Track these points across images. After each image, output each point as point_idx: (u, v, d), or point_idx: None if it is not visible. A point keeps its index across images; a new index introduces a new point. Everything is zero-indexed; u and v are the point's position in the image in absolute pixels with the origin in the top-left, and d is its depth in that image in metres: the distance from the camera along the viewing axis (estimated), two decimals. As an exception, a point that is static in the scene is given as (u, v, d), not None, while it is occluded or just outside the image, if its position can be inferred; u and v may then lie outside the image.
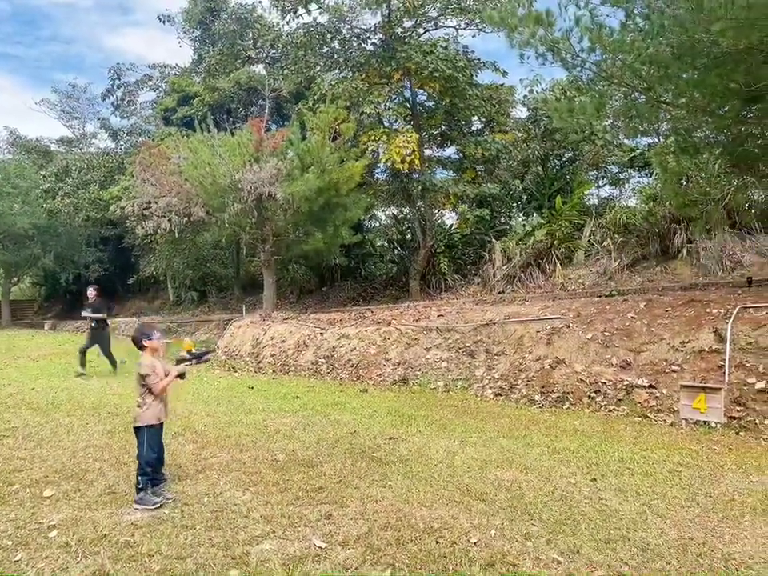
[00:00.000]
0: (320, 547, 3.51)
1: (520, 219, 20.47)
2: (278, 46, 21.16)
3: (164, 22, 29.21)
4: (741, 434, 6.01)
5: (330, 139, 15.50)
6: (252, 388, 9.72)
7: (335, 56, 18.85)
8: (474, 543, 3.53)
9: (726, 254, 11.56)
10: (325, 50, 19.10)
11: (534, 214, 18.95)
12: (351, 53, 18.72)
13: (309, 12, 18.70)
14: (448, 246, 19.65)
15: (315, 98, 17.52)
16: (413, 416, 7.19)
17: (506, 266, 16.60)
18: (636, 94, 8.95)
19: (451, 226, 21.94)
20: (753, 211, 12.40)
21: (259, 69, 26.34)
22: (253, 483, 4.71)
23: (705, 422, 6.18)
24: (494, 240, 17.64)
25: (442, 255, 18.93)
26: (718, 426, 6.11)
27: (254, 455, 5.52)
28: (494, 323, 10.05)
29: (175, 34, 53.04)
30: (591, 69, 8.84)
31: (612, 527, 3.71)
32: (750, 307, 7.32)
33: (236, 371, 12.17)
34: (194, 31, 29.31)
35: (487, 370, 9.28)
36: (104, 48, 66.46)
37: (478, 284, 17.87)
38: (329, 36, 18.95)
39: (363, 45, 18.83)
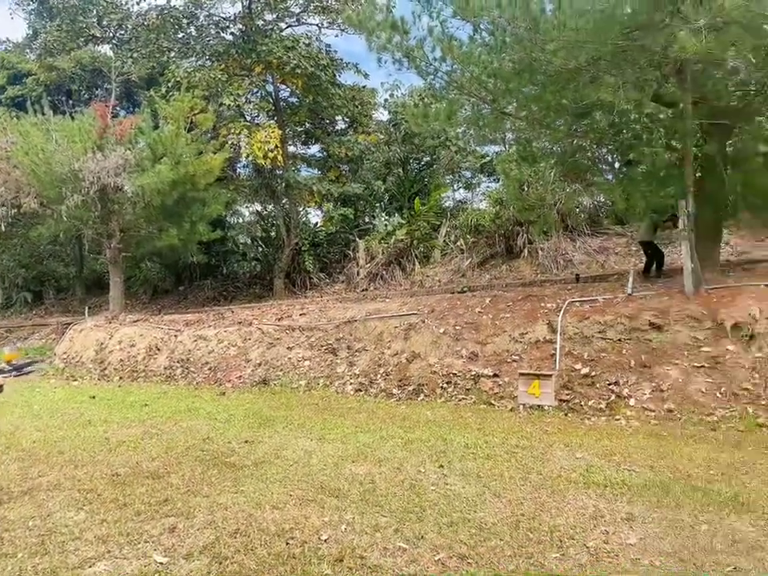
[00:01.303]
0: (161, 563, 3.30)
1: (383, 219, 21.02)
2: (128, 27, 19.56)
3: (-11, -13, 25.59)
4: (569, 415, 6.72)
5: (186, 130, 14.66)
6: (94, 397, 8.90)
7: (191, 42, 17.89)
8: (325, 540, 3.54)
9: (560, 253, 12.91)
10: (180, 35, 18.05)
11: (396, 215, 19.59)
12: (209, 41, 17.89)
13: (162, -7, 17.56)
14: (313, 244, 19.61)
15: (169, 85, 16.43)
16: (271, 417, 7.06)
17: (369, 265, 16.99)
18: (483, 104, 9.57)
19: (316, 224, 21.94)
20: (582, 216, 13.98)
21: (105, 49, 24.10)
22: (88, 501, 4.32)
23: (539, 405, 6.82)
24: (357, 239, 17.95)
25: (307, 253, 18.85)
26: (550, 408, 6.78)
27: (90, 471, 5.06)
28: (356, 320, 10.22)
29: (6, 5, 46.83)
30: (443, 78, 9.30)
31: (455, 510, 3.94)
32: (576, 301, 8.22)
33: (76, 380, 11.06)
34: (29, 3, 26.01)
35: (348, 366, 9.41)
36: None
37: (343, 282, 18.09)
38: (185, 21, 17.94)
39: (222, 34, 18.08)
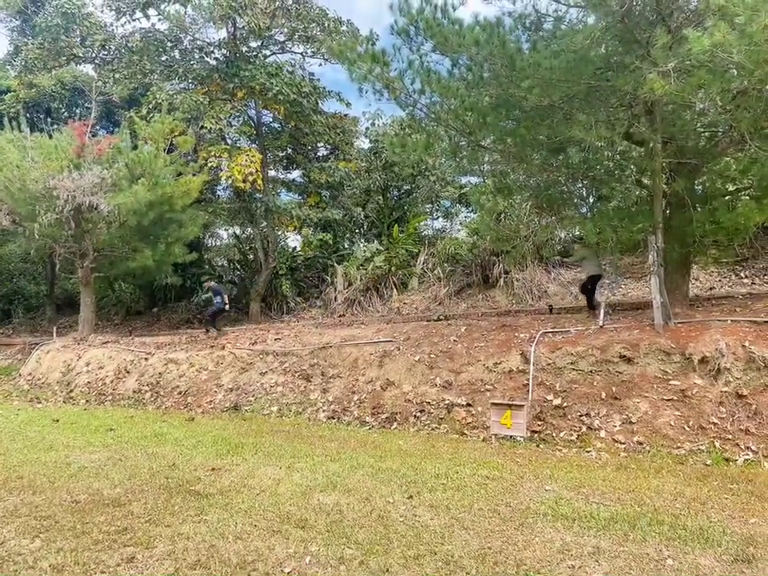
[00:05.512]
0: (115, 596, 3.18)
1: (361, 245, 21.13)
2: (110, 48, 19.60)
3: (-27, 5, 25.38)
4: (540, 446, 6.71)
5: (166, 151, 14.64)
6: (57, 421, 8.62)
7: (174, 65, 17.98)
8: (288, 573, 3.46)
9: (535, 284, 13.08)
10: (163, 57, 18.15)
11: (375, 241, 19.72)
12: (192, 64, 18.01)
13: (147, 17, 17.68)
14: (291, 268, 19.56)
15: (150, 106, 16.47)
16: (240, 444, 6.91)
17: (347, 290, 16.98)
18: (461, 137, 9.75)
19: (295, 248, 21.94)
20: (557, 248, 14.21)
21: (87, 69, 24.09)
22: (45, 529, 4.18)
23: (511, 436, 6.81)
24: (336, 264, 17.97)
25: (285, 277, 18.78)
26: (522, 439, 6.77)
27: (49, 497, 4.89)
28: (331, 346, 10.15)
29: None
30: (422, 109, 9.49)
31: (422, 543, 3.88)
32: (549, 332, 8.30)
33: (40, 402, 10.72)
34: (12, 20, 25.95)
35: (322, 393, 9.30)
36: None
37: (320, 307, 18.02)
38: (168, 45, 18.08)
39: (206, 58, 18.24)
